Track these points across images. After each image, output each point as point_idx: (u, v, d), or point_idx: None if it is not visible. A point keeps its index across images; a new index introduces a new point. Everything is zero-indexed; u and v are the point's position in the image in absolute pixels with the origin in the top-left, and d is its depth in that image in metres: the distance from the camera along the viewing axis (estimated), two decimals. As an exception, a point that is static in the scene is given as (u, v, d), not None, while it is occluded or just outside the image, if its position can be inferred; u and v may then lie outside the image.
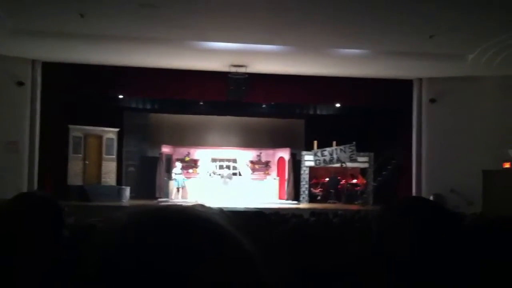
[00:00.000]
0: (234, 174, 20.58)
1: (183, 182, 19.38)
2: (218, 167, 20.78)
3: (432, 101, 16.87)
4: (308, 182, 19.71)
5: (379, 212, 1.82)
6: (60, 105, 16.72)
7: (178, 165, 19.55)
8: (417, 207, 1.75)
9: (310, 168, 19.63)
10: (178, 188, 19.19)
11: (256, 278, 0.74)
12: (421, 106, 17.20)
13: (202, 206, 0.75)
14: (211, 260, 0.70)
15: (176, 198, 18.82)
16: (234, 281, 0.71)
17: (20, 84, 15.48)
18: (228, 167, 20.83)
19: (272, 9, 11.37)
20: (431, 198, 15.53)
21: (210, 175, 20.28)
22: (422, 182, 17.00)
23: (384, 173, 18.78)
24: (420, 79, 17.17)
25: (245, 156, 21.20)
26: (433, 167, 16.66)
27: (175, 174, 19.29)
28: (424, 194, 16.16)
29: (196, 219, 0.75)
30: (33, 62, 15.79)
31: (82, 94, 16.81)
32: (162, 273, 0.68)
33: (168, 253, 0.69)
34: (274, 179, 20.75)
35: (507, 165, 15.77)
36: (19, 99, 15.51)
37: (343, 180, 19.91)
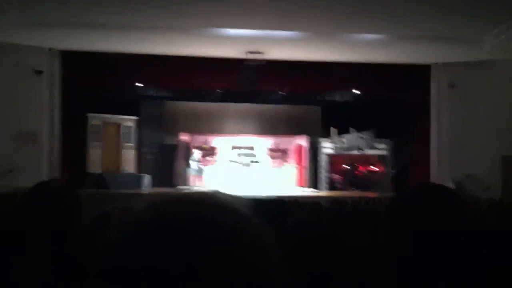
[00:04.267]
0: (252, 161, 20.60)
1: (201, 169, 19.48)
2: (236, 155, 20.82)
3: (451, 86, 16.66)
4: (326, 170, 19.66)
5: (393, 200, 1.80)
6: (79, 93, 16.84)
7: (196, 152, 19.63)
8: (431, 194, 1.72)
9: (329, 155, 19.58)
10: (196, 176, 19.30)
11: (275, 265, 0.74)
12: (440, 92, 17.02)
13: (222, 193, 0.75)
14: (233, 247, 0.71)
15: (195, 185, 18.93)
16: (253, 268, 0.71)
17: (38, 73, 15.59)
18: (246, 154, 20.85)
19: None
20: (450, 184, 15.43)
21: (226, 161, 20.36)
22: (441, 169, 16.86)
23: (402, 159, 18.65)
24: (439, 64, 16.96)
25: (263, 143, 21.20)
26: (452, 153, 16.50)
27: (193, 161, 19.38)
28: (442, 180, 16.03)
29: (218, 206, 0.76)
30: (51, 51, 15.88)
31: (100, 82, 16.89)
32: (185, 262, 0.68)
33: (191, 241, 0.69)
34: (292, 166, 20.74)
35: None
36: (37, 88, 15.65)
37: (361, 167, 19.83)
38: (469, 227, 1.61)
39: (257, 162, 20.73)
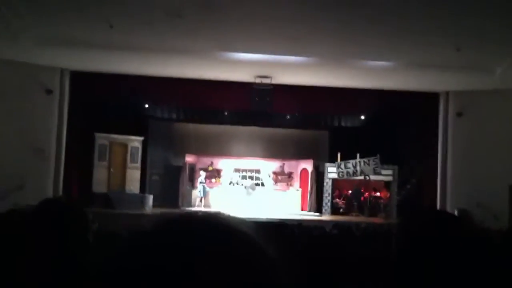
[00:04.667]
0: (257, 184, 20.58)
1: (206, 191, 19.48)
2: (241, 177, 20.82)
3: (459, 114, 16.67)
4: (331, 194, 19.59)
5: (401, 225, 1.80)
6: (87, 113, 16.99)
7: (202, 174, 19.65)
8: (439, 221, 1.73)
9: (333, 180, 19.54)
10: (201, 198, 19.31)
11: (278, 284, 0.76)
12: (447, 119, 17.01)
13: (224, 214, 0.77)
14: (236, 266, 0.72)
15: (199, 207, 18.92)
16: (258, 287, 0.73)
17: (49, 92, 15.74)
18: (251, 177, 20.85)
19: (297, 20, 11.39)
20: (456, 212, 15.31)
21: (231, 183, 20.37)
22: (447, 196, 16.79)
23: (408, 186, 18.59)
24: (447, 92, 16.99)
25: (268, 166, 21.20)
26: (459, 181, 16.44)
27: (199, 183, 19.40)
28: (448, 208, 15.95)
29: (223, 226, 0.78)
30: (62, 71, 16.06)
31: (109, 102, 17.03)
32: (186, 278, 0.70)
33: (192, 258, 0.71)
34: (297, 190, 20.70)
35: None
36: (47, 107, 15.78)
37: (366, 193, 19.77)
38: (473, 253, 1.62)
39: (261, 185, 20.72)
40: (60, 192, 15.86)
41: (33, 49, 13.72)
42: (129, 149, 18.81)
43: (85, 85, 16.17)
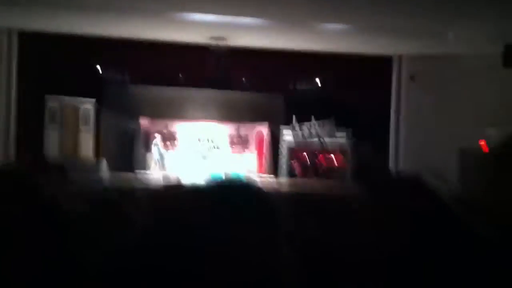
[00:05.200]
0: (213, 147, 20.56)
1: (162, 154, 19.36)
2: (196, 140, 20.74)
3: (412, 78, 16.90)
4: (286, 157, 19.78)
5: (368, 192, 1.77)
6: (37, 75, 16.46)
7: (157, 137, 19.48)
8: (416, 190, 1.71)
9: (289, 143, 19.70)
10: (156, 161, 19.19)
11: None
12: (400, 83, 17.25)
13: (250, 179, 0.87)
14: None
15: (155, 171, 18.80)
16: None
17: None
18: (206, 140, 20.80)
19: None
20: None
21: (186, 147, 20.32)
22: (400, 161, 17.15)
23: (362, 149, 18.88)
24: (400, 56, 17.17)
25: (223, 130, 21.16)
26: (412, 145, 16.80)
27: (154, 146, 19.24)
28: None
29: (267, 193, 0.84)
30: (9, 31, 15.44)
31: (60, 64, 16.54)
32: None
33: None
34: (253, 153, 20.79)
35: (483, 144, 15.92)
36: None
37: (321, 156, 20.00)
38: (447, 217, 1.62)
39: (217, 148, 20.71)
40: (10, 158, 15.46)
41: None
42: (82, 112, 18.39)
43: (35, 46, 15.64)
